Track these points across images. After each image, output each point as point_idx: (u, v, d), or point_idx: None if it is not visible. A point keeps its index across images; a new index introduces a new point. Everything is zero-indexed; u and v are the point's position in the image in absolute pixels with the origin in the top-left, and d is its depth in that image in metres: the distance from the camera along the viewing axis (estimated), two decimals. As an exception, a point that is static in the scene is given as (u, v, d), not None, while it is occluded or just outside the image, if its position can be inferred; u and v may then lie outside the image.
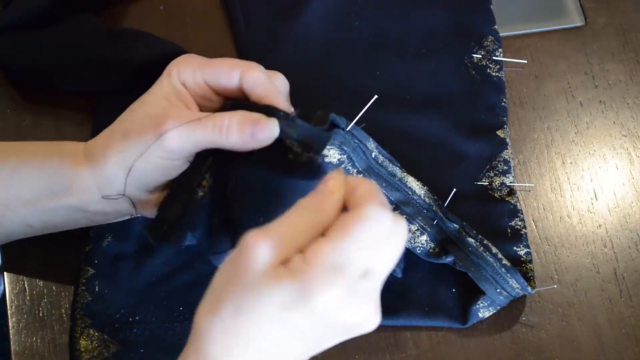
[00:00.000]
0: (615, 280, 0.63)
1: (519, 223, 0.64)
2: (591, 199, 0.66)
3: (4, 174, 0.55)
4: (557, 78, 0.71)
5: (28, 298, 0.62)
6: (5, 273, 0.63)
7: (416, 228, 0.61)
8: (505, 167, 0.66)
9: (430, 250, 0.61)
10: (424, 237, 0.61)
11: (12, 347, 0.60)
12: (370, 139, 0.61)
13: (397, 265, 0.60)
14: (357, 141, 0.59)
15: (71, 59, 0.66)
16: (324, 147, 0.52)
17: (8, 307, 0.61)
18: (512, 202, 0.64)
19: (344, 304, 0.42)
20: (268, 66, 0.70)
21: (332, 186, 0.44)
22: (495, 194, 0.65)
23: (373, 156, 0.61)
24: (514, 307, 0.62)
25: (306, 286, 0.41)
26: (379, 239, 0.42)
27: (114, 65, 0.65)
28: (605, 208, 0.66)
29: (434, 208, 0.61)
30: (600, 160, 0.68)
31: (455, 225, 0.61)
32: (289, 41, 0.71)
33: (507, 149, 0.67)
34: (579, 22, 0.74)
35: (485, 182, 0.65)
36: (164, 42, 0.68)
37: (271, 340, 0.42)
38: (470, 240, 0.60)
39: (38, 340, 0.60)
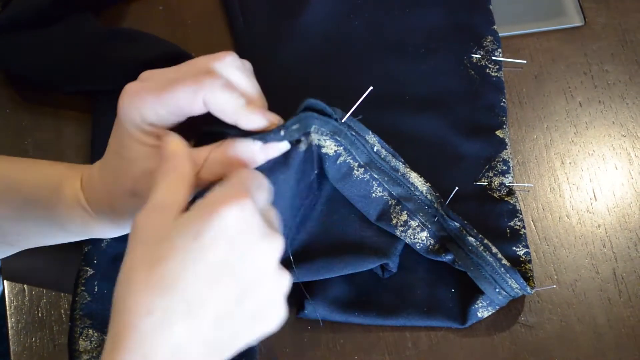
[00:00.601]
0: (614, 281, 0.63)
1: (518, 223, 0.64)
2: (590, 199, 0.66)
3: (13, 212, 0.55)
4: (557, 78, 0.71)
5: (27, 299, 0.62)
6: (4, 274, 0.63)
7: (417, 224, 0.61)
8: (504, 167, 0.66)
9: (430, 247, 0.61)
10: (424, 234, 0.61)
11: (12, 348, 0.60)
12: (370, 132, 0.61)
13: (391, 261, 0.60)
14: (354, 133, 0.59)
15: (70, 59, 0.66)
16: (305, 127, 0.53)
17: (7, 308, 0.62)
18: (512, 202, 0.64)
19: (252, 223, 0.43)
20: (267, 66, 0.70)
21: (173, 144, 0.47)
22: (495, 194, 0.65)
23: (375, 150, 0.60)
24: (513, 307, 0.62)
25: (211, 206, 0.42)
26: (262, 182, 0.46)
27: (113, 66, 0.65)
28: (604, 208, 0.66)
29: (436, 205, 0.61)
30: (599, 161, 0.68)
31: (456, 223, 0.61)
32: (289, 41, 0.71)
33: (507, 149, 0.67)
34: (578, 22, 0.74)
35: (484, 182, 0.65)
36: (163, 43, 0.68)
37: (190, 281, 0.41)
38: (471, 239, 0.60)
39: (37, 341, 0.61)
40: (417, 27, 0.73)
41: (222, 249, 0.42)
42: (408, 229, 0.61)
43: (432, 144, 0.67)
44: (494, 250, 0.60)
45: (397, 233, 0.61)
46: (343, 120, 0.57)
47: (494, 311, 0.60)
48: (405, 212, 0.61)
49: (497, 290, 0.59)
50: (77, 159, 0.67)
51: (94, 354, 0.58)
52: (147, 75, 0.50)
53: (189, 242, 0.41)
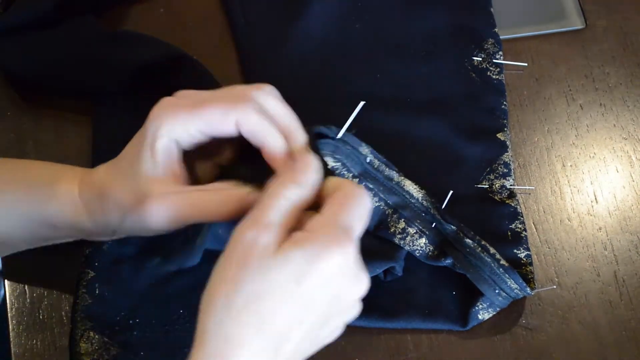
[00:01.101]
0: (615, 283, 0.63)
1: (519, 226, 0.64)
2: (591, 201, 0.66)
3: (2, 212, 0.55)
4: (558, 81, 0.71)
5: (28, 301, 0.62)
6: (5, 276, 0.63)
7: (415, 231, 0.61)
8: (505, 170, 0.66)
9: (429, 253, 0.61)
10: (423, 240, 0.61)
11: (12, 350, 0.60)
12: (363, 144, 0.61)
13: (398, 264, 0.60)
14: (349, 147, 0.60)
15: (72, 62, 0.66)
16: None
17: (8, 310, 0.61)
18: (513, 204, 0.64)
19: (351, 267, 0.43)
20: (269, 68, 0.70)
21: (310, 160, 0.47)
22: (496, 197, 0.65)
23: (368, 161, 0.61)
24: (514, 310, 0.62)
25: (317, 250, 0.42)
26: (367, 208, 0.46)
27: (114, 68, 0.66)
28: (605, 211, 0.66)
29: (432, 211, 0.61)
30: (600, 163, 0.68)
31: (452, 226, 0.61)
32: (290, 43, 0.71)
33: (508, 151, 0.67)
34: (579, 25, 0.74)
35: (485, 184, 0.65)
36: (165, 45, 0.68)
37: (284, 321, 0.42)
38: (468, 241, 0.60)
39: (38, 343, 0.60)
40: (418, 30, 0.73)
41: (320, 293, 0.43)
42: (407, 236, 0.61)
43: (433, 147, 0.67)
44: (492, 251, 0.60)
45: (396, 241, 0.61)
46: (339, 136, 0.58)
47: (494, 313, 0.60)
48: (402, 220, 0.61)
49: (496, 291, 0.59)
50: (78, 161, 0.67)
51: (95, 356, 0.58)
52: (183, 93, 0.51)
53: (291, 285, 0.42)
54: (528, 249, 0.63)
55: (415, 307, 0.61)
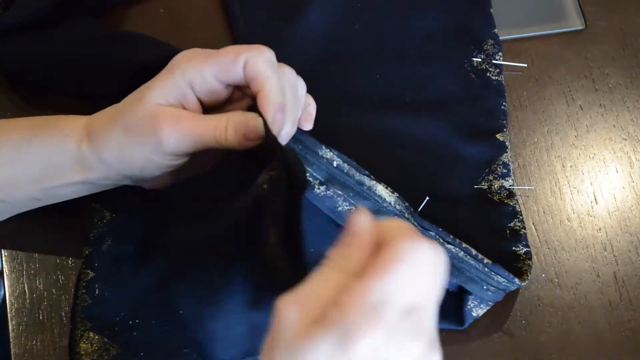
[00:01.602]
0: (615, 284, 0.63)
1: (518, 224, 0.63)
2: (591, 202, 0.66)
3: (8, 154, 0.55)
4: (557, 81, 0.71)
5: (28, 301, 0.62)
6: (5, 276, 0.63)
7: None
8: (504, 170, 0.66)
9: None
10: None
11: (12, 350, 0.60)
12: (324, 147, 0.60)
13: None
14: (302, 147, 0.59)
15: (71, 62, 0.66)
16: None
17: (8, 310, 0.61)
18: (511, 204, 0.64)
19: (387, 345, 0.39)
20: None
21: (358, 228, 0.41)
22: (495, 197, 0.65)
23: (335, 165, 0.60)
24: (514, 310, 0.62)
25: (345, 333, 0.38)
26: (418, 272, 0.39)
27: (114, 68, 0.65)
28: (605, 211, 0.66)
29: (406, 215, 0.60)
30: (600, 164, 0.68)
31: (431, 232, 0.60)
32: (289, 44, 0.71)
33: (507, 152, 0.67)
34: (579, 25, 0.74)
35: (484, 185, 0.65)
36: (164, 45, 0.68)
37: None
38: (449, 246, 0.60)
39: (38, 344, 0.60)
40: (417, 31, 0.73)
41: None
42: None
43: (432, 147, 0.67)
44: (474, 252, 0.60)
45: None
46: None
47: (488, 308, 0.60)
48: None
49: (484, 287, 0.59)
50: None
51: (94, 357, 0.58)
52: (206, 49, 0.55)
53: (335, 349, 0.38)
54: (527, 246, 0.62)
55: None
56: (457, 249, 0.60)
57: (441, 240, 0.60)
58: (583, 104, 0.71)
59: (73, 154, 0.55)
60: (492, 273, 0.59)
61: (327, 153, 0.60)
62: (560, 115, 0.70)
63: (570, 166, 0.68)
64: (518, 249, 0.62)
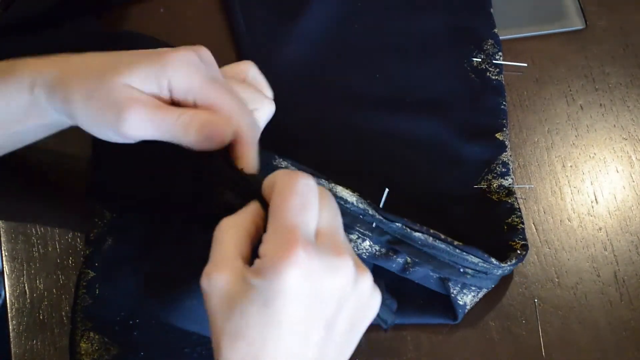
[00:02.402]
0: (615, 284, 0.63)
1: (516, 219, 0.63)
2: (591, 202, 0.66)
3: None
4: (558, 81, 0.71)
5: (28, 301, 0.62)
6: (5, 276, 0.63)
7: (357, 237, 0.59)
8: (503, 170, 0.66)
9: (377, 253, 0.60)
10: (367, 243, 0.59)
11: (13, 350, 0.60)
12: (276, 156, 0.60)
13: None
14: (264, 163, 0.59)
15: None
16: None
17: (8, 310, 0.61)
18: (510, 201, 0.64)
19: (313, 265, 0.42)
20: (268, 68, 0.70)
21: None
22: (493, 196, 0.65)
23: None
24: (515, 310, 0.62)
25: (271, 269, 0.41)
26: (306, 198, 0.44)
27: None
28: (605, 211, 0.66)
29: (370, 212, 0.60)
30: (600, 164, 0.68)
31: (397, 223, 0.59)
32: (289, 44, 0.71)
33: (506, 151, 0.67)
34: (579, 25, 0.74)
35: (483, 185, 0.65)
36: (164, 45, 0.68)
37: (281, 344, 0.43)
38: (417, 234, 0.59)
39: (38, 343, 0.60)
40: (417, 31, 0.73)
41: (295, 306, 0.42)
42: (349, 243, 0.60)
43: (432, 147, 0.67)
44: (442, 236, 0.59)
45: None
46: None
47: (474, 294, 0.60)
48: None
49: (461, 270, 0.59)
50: (78, 161, 0.67)
51: (95, 356, 0.58)
52: (206, 57, 0.53)
53: (262, 310, 0.42)
54: (525, 240, 0.62)
55: (409, 299, 0.61)
56: (426, 235, 0.59)
57: (408, 230, 0.59)
58: (583, 103, 0.71)
59: (26, 98, 0.53)
60: (464, 253, 0.58)
61: (282, 162, 0.60)
62: (560, 115, 0.70)
63: (571, 166, 0.68)
64: (514, 242, 0.62)
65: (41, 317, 0.61)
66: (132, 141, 0.50)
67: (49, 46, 0.67)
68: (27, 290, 0.62)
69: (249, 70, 0.56)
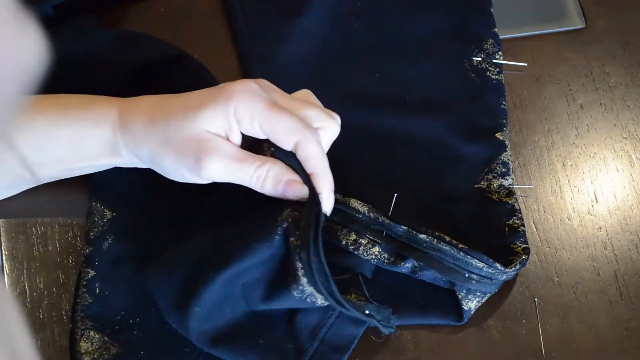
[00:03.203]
0: (615, 283, 0.63)
1: (517, 221, 0.63)
2: (592, 201, 0.66)
3: (35, 135, 0.56)
4: (558, 80, 0.71)
5: (28, 300, 0.62)
6: (5, 275, 0.63)
7: (367, 241, 0.60)
8: (504, 170, 0.66)
9: (385, 260, 0.60)
10: (376, 249, 0.60)
11: (13, 349, 0.60)
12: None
13: (364, 269, 0.60)
14: None
15: (73, 62, 0.66)
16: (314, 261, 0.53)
17: (8, 309, 0.61)
18: (510, 202, 0.64)
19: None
20: (268, 68, 0.70)
21: None
22: (494, 196, 0.65)
23: None
24: (515, 309, 0.62)
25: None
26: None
27: (115, 68, 0.66)
28: (605, 210, 0.66)
29: (380, 219, 0.60)
30: (600, 163, 0.68)
31: (402, 227, 0.60)
32: (289, 42, 0.71)
33: (506, 151, 0.67)
34: (579, 24, 0.74)
35: (483, 184, 0.65)
36: (165, 44, 0.68)
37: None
38: (422, 236, 0.59)
39: (38, 342, 0.61)
40: (417, 30, 0.73)
41: None
42: (359, 247, 0.60)
43: (431, 146, 0.67)
44: (448, 239, 0.59)
45: (350, 250, 0.60)
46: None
47: (479, 300, 0.60)
48: (352, 232, 0.60)
49: (466, 275, 0.59)
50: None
51: (95, 355, 0.58)
52: (263, 83, 0.55)
53: None
54: (526, 242, 0.62)
55: (410, 301, 0.61)
56: (431, 237, 0.59)
57: (413, 232, 0.59)
58: (583, 103, 0.71)
59: (105, 141, 0.55)
60: (468, 257, 0.58)
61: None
62: (560, 114, 0.70)
63: (571, 165, 0.68)
64: (516, 245, 0.62)
65: (41, 316, 0.61)
66: (208, 182, 0.54)
67: (50, 46, 0.67)
68: (27, 289, 0.62)
69: (310, 95, 0.57)
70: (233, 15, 0.73)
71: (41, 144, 0.56)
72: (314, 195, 0.53)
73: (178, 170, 0.54)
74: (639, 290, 0.63)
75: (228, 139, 0.53)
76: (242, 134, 0.54)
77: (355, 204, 0.61)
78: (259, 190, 0.53)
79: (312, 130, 0.53)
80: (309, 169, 0.53)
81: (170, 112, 0.54)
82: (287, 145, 0.53)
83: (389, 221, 0.60)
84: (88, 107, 0.57)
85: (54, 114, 0.56)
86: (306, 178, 0.53)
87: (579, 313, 0.62)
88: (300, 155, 0.53)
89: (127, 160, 0.56)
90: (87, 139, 0.56)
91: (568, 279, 0.63)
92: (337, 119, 0.56)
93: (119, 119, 0.55)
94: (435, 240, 0.59)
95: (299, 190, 0.53)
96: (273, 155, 0.54)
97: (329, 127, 0.55)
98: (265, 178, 0.53)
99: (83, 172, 0.59)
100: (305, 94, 0.57)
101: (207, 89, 0.54)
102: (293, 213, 0.53)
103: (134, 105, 0.56)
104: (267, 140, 0.54)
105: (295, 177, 0.53)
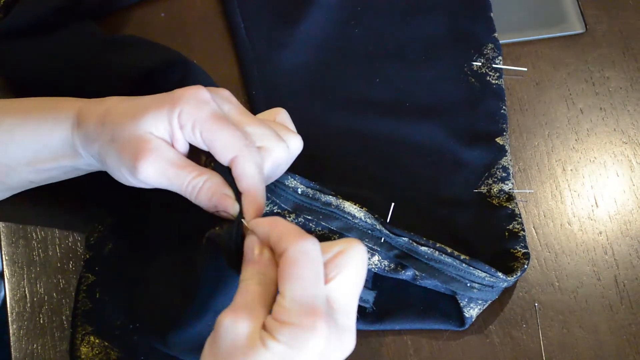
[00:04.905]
0: (615, 287, 0.63)
1: (517, 226, 0.63)
2: (592, 206, 0.66)
3: (2, 137, 0.55)
4: (558, 85, 0.71)
5: (29, 305, 0.62)
6: (6, 280, 0.63)
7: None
8: (504, 174, 0.66)
9: (386, 268, 0.60)
10: (376, 258, 0.60)
11: (13, 354, 0.60)
12: (289, 176, 0.60)
13: (365, 298, 0.60)
14: (276, 184, 0.60)
15: (73, 67, 0.66)
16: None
17: (9, 314, 0.62)
18: (510, 207, 0.64)
19: (330, 341, 0.43)
20: (268, 72, 0.70)
21: (257, 252, 0.46)
22: (494, 201, 0.65)
23: (300, 192, 0.61)
24: (515, 314, 0.62)
25: (293, 338, 0.41)
26: (318, 264, 0.44)
27: (115, 73, 0.66)
28: (605, 215, 0.66)
29: (378, 227, 0.60)
30: (600, 168, 0.68)
31: (403, 238, 0.60)
32: (289, 48, 0.71)
33: (506, 155, 0.67)
34: (579, 29, 0.74)
35: (483, 189, 0.65)
36: (165, 49, 0.68)
37: None
38: (423, 248, 0.60)
39: (39, 348, 0.60)
40: (417, 35, 0.73)
41: None
42: None
43: (431, 151, 0.67)
44: (449, 250, 0.59)
45: None
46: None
47: (481, 307, 0.60)
48: None
49: (468, 285, 0.59)
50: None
51: (95, 361, 0.58)
52: (220, 92, 0.53)
53: None
54: (526, 247, 0.62)
55: (410, 305, 0.61)
56: (432, 249, 0.59)
57: (414, 244, 0.60)
58: (583, 107, 0.71)
59: (65, 140, 0.54)
60: (471, 268, 0.59)
61: (292, 182, 0.61)
62: (560, 119, 0.70)
63: (571, 170, 0.68)
64: (516, 250, 0.62)
65: (41, 321, 0.61)
66: (149, 187, 0.52)
67: (50, 50, 0.68)
68: (27, 294, 0.62)
69: (279, 114, 0.55)
70: (233, 20, 0.73)
71: (8, 145, 0.55)
72: (240, 215, 0.50)
73: (119, 170, 0.52)
74: (639, 295, 0.63)
75: (173, 145, 0.51)
76: (190, 145, 0.52)
77: (351, 208, 0.60)
78: (194, 201, 0.51)
79: (252, 149, 0.50)
80: (241, 187, 0.50)
81: (121, 111, 0.53)
82: (223, 160, 0.50)
83: (387, 231, 0.60)
84: (51, 107, 0.56)
85: (19, 116, 0.56)
86: (238, 196, 0.51)
87: (579, 318, 0.62)
88: (234, 172, 0.50)
89: (87, 160, 0.55)
90: (50, 139, 0.55)
91: (568, 284, 0.63)
92: (290, 143, 0.53)
93: (77, 117, 0.54)
94: (437, 252, 0.59)
95: (230, 207, 0.50)
96: (214, 169, 0.52)
97: (274, 149, 0.52)
98: (201, 189, 0.50)
99: (52, 176, 0.58)
100: (275, 112, 0.55)
101: (162, 93, 0.53)
102: (214, 228, 0.51)
103: (96, 105, 0.55)
104: (209, 153, 0.52)
105: (231, 193, 0.51)
